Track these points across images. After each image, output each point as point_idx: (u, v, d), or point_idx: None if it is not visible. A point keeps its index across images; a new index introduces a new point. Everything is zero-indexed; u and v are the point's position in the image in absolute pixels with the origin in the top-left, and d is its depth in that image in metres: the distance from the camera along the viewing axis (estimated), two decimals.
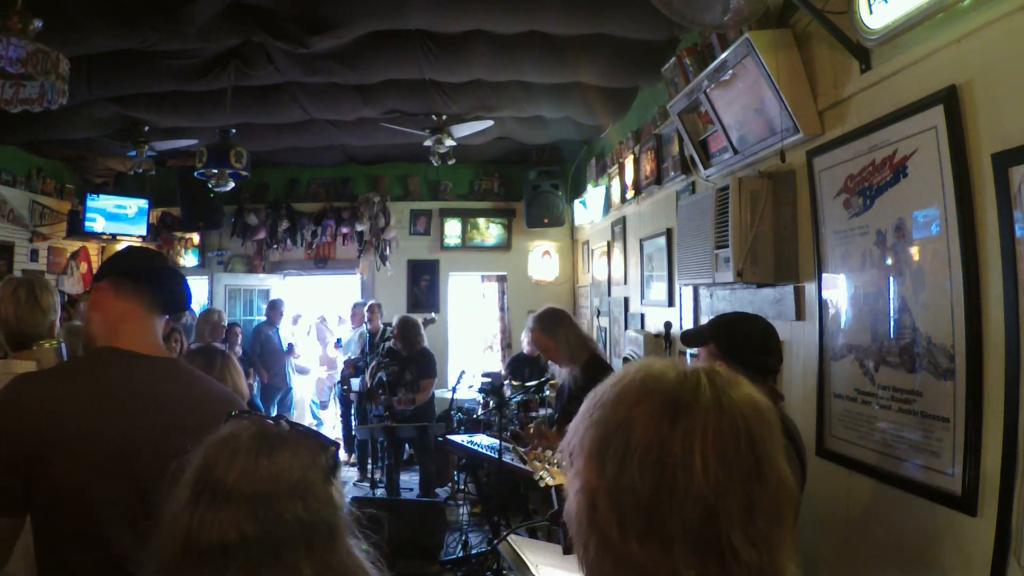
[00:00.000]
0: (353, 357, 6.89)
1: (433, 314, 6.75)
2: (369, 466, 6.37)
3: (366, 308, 7.06)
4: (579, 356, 3.39)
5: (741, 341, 1.99)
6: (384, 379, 5.55)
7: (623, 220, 5.39)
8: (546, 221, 7.30)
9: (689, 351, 3.02)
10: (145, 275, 1.55)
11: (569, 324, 3.50)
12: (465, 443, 4.47)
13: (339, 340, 7.82)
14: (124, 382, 1.40)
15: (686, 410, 0.72)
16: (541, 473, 2.49)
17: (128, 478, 1.28)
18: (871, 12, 2.00)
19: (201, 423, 1.36)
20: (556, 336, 3.40)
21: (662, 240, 4.36)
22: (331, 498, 0.91)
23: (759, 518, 0.70)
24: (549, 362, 3.80)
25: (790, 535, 0.74)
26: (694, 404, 0.72)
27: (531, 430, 3.79)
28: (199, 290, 8.04)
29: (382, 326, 6.74)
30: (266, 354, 7.01)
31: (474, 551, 4.55)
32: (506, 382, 6.00)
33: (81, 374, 1.44)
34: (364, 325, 7.04)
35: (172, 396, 1.43)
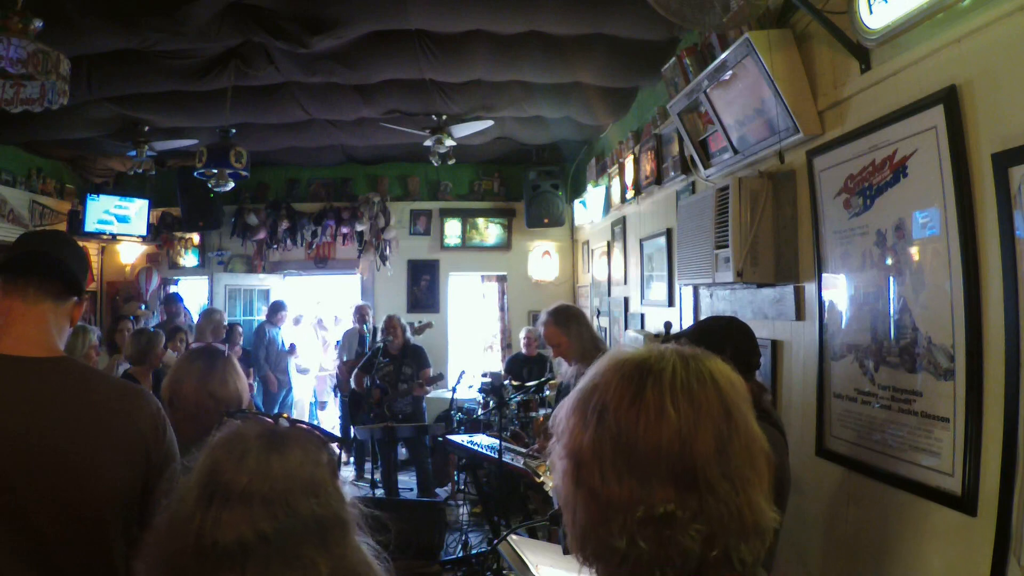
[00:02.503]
0: (346, 359, 6.91)
1: (430, 320, 6.72)
2: (368, 466, 6.37)
3: (355, 309, 7.13)
4: (590, 355, 3.37)
5: (725, 346, 2.00)
6: (378, 383, 5.53)
7: (623, 220, 5.39)
8: (546, 221, 7.30)
9: None
10: (16, 266, 1.38)
11: (583, 322, 3.49)
12: (465, 443, 4.47)
13: (338, 342, 7.84)
14: None
15: (655, 372, 0.79)
16: (545, 477, 2.49)
17: None
18: (871, 12, 2.01)
19: (91, 422, 1.30)
20: (569, 332, 3.38)
21: (662, 240, 4.36)
22: (340, 493, 0.93)
23: (733, 457, 0.76)
24: (556, 360, 3.80)
25: (767, 485, 0.79)
26: (662, 366, 0.79)
27: (542, 420, 3.79)
28: (199, 290, 8.07)
29: (373, 327, 6.80)
30: (269, 355, 7.03)
31: (474, 551, 4.55)
32: (506, 381, 6.01)
33: None
34: (363, 325, 7.04)
35: (52, 399, 1.30)
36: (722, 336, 2.06)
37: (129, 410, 1.38)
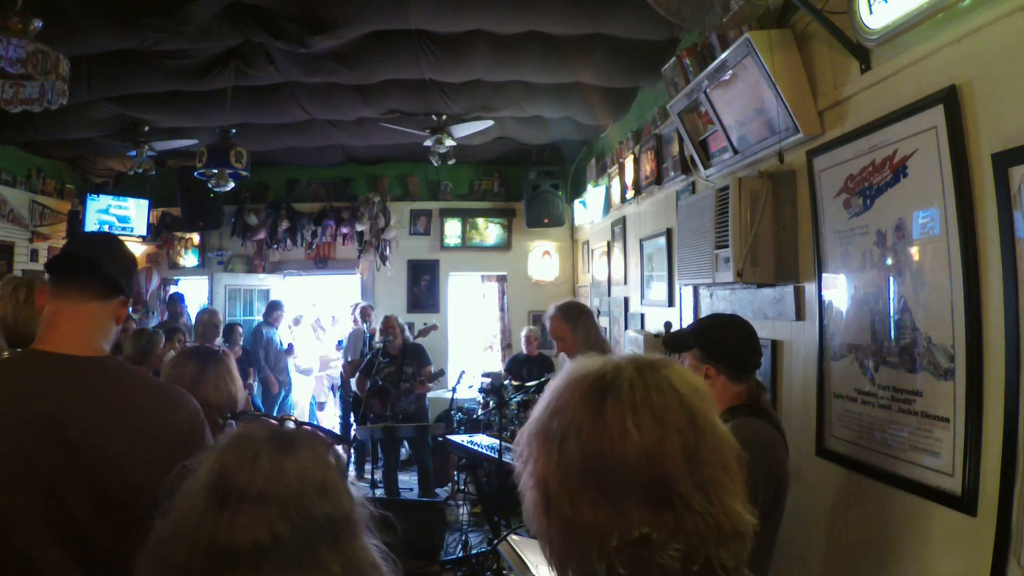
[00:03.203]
0: (351, 359, 6.91)
1: (435, 323, 6.72)
2: (368, 466, 6.36)
3: (359, 309, 7.11)
4: None
5: (725, 344, 2.01)
6: (379, 383, 5.53)
7: (623, 220, 5.39)
8: (546, 221, 7.30)
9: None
10: (58, 267, 1.44)
11: (591, 321, 3.49)
12: (465, 443, 4.47)
13: (340, 342, 7.83)
14: (32, 387, 1.31)
15: (612, 388, 0.76)
16: None
17: (39, 485, 1.24)
18: (871, 12, 2.01)
19: (126, 418, 1.34)
20: (576, 328, 3.37)
21: (662, 240, 4.36)
22: (350, 494, 0.94)
23: (703, 465, 0.74)
24: (559, 356, 3.79)
25: (741, 485, 0.77)
26: (619, 382, 0.77)
27: None
28: (199, 290, 8.06)
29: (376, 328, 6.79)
30: (268, 355, 7.03)
31: (474, 551, 4.55)
32: (506, 381, 6.00)
33: None
34: (364, 324, 7.04)
35: (91, 395, 1.34)
36: (725, 338, 2.03)
37: (166, 411, 1.41)
